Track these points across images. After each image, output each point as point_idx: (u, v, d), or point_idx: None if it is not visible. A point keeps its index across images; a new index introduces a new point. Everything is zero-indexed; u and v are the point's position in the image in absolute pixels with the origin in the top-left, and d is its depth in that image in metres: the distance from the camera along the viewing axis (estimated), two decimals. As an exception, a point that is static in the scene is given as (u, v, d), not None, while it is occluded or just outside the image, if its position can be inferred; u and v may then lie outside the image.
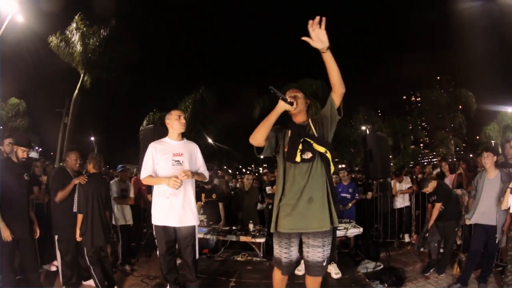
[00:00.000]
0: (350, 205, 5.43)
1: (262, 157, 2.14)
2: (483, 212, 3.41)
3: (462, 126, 19.22)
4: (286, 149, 2.04)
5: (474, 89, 19.50)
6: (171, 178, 2.43)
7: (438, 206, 3.92)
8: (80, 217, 3.17)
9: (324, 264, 2.05)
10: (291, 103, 1.95)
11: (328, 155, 2.00)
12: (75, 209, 3.21)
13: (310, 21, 1.76)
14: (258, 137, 1.99)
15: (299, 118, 2.14)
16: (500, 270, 3.72)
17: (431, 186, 4.03)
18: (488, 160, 3.41)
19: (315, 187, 1.99)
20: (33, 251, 3.06)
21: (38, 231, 3.15)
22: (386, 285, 3.53)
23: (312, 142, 1.99)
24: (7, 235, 2.74)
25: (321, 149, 1.98)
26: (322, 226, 1.97)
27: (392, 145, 23.98)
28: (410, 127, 27.16)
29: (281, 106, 1.95)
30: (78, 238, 3.17)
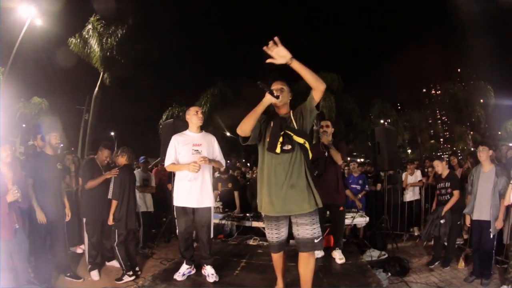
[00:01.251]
0: (360, 195, 5.56)
1: (245, 143, 2.29)
2: (479, 206, 3.46)
3: (481, 120, 18.51)
4: (267, 140, 2.21)
5: (493, 83, 18.71)
6: (191, 163, 2.81)
7: (457, 193, 3.93)
8: (114, 203, 3.45)
9: (316, 241, 2.20)
10: (277, 97, 2.12)
11: (307, 145, 2.20)
12: (110, 195, 3.48)
13: (265, 47, 1.93)
14: (245, 128, 2.15)
15: (282, 110, 2.33)
16: (505, 267, 3.59)
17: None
18: (483, 153, 3.43)
19: (296, 175, 2.18)
20: (63, 233, 3.39)
21: (69, 213, 3.48)
22: (389, 274, 3.61)
23: (292, 134, 2.17)
24: (42, 217, 3.06)
25: (300, 140, 2.18)
26: (303, 209, 2.17)
27: (409, 139, 23.46)
28: (429, 121, 26.34)
29: (268, 99, 2.11)
30: (111, 222, 3.44)
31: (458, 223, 4.16)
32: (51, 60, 16.24)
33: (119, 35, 14.29)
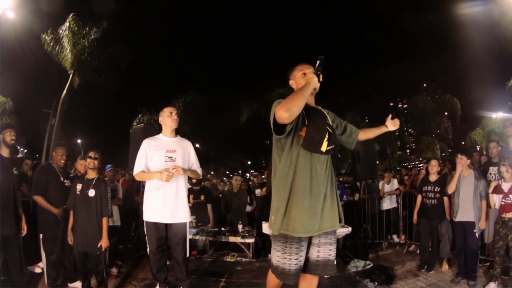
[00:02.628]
0: None
1: (282, 136, 1.72)
2: (462, 208, 3.60)
3: (448, 131, 19.79)
4: (303, 134, 1.72)
5: (459, 96, 20.24)
6: (163, 171, 2.47)
7: (447, 200, 3.96)
8: (106, 221, 2.96)
9: (335, 262, 1.87)
10: (319, 82, 1.74)
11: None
12: (106, 214, 2.97)
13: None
14: (296, 110, 1.58)
15: (312, 101, 1.89)
16: (488, 265, 3.86)
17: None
18: (462, 161, 3.66)
19: (329, 183, 1.79)
20: (18, 250, 2.94)
21: (25, 227, 3.01)
22: (376, 283, 3.55)
23: (332, 132, 1.76)
24: None
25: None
26: (335, 225, 1.81)
27: (379, 151, 24.44)
28: (397, 133, 27.77)
29: (315, 82, 1.70)
30: (106, 245, 2.94)
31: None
32: (20, 58, 15.04)
33: (92, 36, 13.57)
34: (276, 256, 1.79)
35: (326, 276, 3.27)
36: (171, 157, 2.66)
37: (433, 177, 4.13)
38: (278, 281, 1.84)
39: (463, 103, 19.76)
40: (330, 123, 1.86)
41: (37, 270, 3.69)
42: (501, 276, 3.37)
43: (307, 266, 1.82)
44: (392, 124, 2.12)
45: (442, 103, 19.69)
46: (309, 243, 1.82)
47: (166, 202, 2.59)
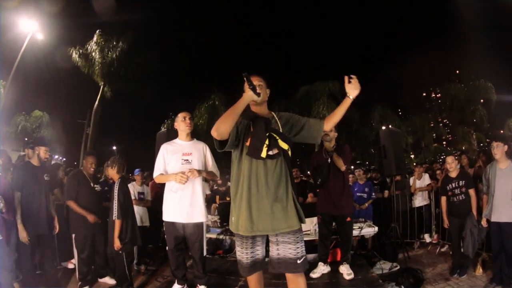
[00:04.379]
0: (366, 204, 5.32)
1: (221, 150, 1.91)
2: (498, 206, 3.24)
3: (484, 119, 18.29)
4: (247, 143, 1.87)
5: (494, 81, 18.59)
6: (178, 173, 2.58)
7: (474, 192, 3.66)
8: (118, 223, 3.02)
9: (299, 261, 1.86)
10: (258, 94, 1.83)
11: (289, 152, 1.93)
12: (114, 217, 3.05)
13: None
14: (224, 129, 1.76)
15: (262, 109, 2.02)
16: None
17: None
18: (498, 150, 3.28)
19: (279, 185, 1.87)
20: (52, 247, 3.27)
21: (57, 226, 3.34)
22: (402, 287, 3.36)
23: (277, 137, 1.87)
24: (24, 237, 2.94)
25: (285, 145, 1.88)
26: (292, 225, 1.85)
27: (412, 143, 23.18)
28: (431, 125, 26.16)
29: (250, 96, 1.81)
30: (118, 246, 3.03)
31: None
32: (52, 74, 16.40)
33: (119, 48, 14.38)
34: (237, 251, 1.99)
35: (347, 278, 3.19)
36: (187, 160, 2.77)
37: (453, 174, 3.85)
38: (254, 278, 2.01)
39: (499, 89, 18.13)
40: (277, 128, 1.93)
41: (70, 266, 4.06)
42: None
43: (270, 263, 1.92)
44: (351, 88, 1.90)
45: (476, 89, 18.23)
46: (269, 241, 1.94)
47: (182, 203, 2.69)
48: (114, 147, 27.07)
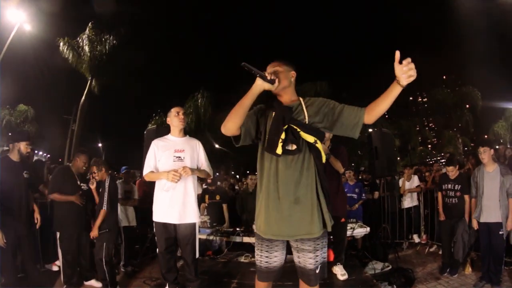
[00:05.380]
0: (357, 205, 5.33)
1: (238, 145, 1.74)
2: (487, 207, 3.34)
3: (469, 124, 18.97)
4: (267, 137, 1.67)
5: (480, 87, 19.31)
6: (170, 171, 2.46)
7: (469, 198, 3.67)
8: (103, 212, 3.13)
9: (317, 271, 1.71)
10: (271, 81, 1.58)
11: (319, 145, 1.66)
12: (104, 206, 3.15)
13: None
14: (230, 125, 1.62)
15: (286, 97, 1.76)
16: None
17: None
18: (485, 155, 3.37)
19: (302, 185, 1.64)
20: (34, 248, 3.10)
21: (39, 218, 3.20)
22: (395, 286, 3.39)
23: (298, 129, 1.63)
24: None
25: (310, 138, 1.64)
26: (311, 232, 1.64)
27: (399, 146, 23.68)
28: (417, 128, 26.84)
29: (259, 85, 1.58)
30: (95, 234, 3.14)
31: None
32: (39, 67, 15.82)
33: (110, 43, 13.99)
34: (255, 251, 1.81)
35: (341, 278, 3.17)
36: (180, 157, 2.64)
37: (452, 174, 3.91)
38: (261, 283, 1.81)
39: (484, 95, 18.90)
40: (302, 117, 1.68)
41: (55, 268, 3.86)
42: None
43: (296, 270, 1.78)
44: (404, 72, 1.43)
45: (462, 95, 18.93)
46: (290, 246, 1.77)
47: (174, 203, 2.57)
48: (100, 144, 26.36)
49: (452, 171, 3.88)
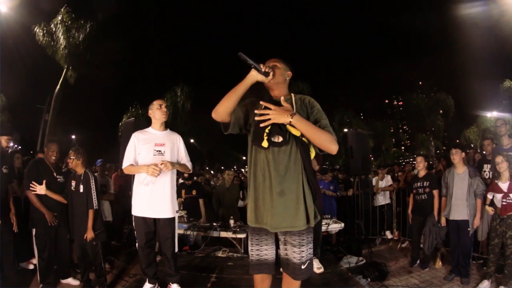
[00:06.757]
0: (330, 193, 5.49)
1: (226, 132, 1.79)
2: (456, 206, 3.56)
3: (441, 129, 20.04)
4: (253, 129, 1.73)
5: (455, 94, 20.55)
6: (150, 165, 2.43)
7: (437, 193, 3.90)
8: (92, 213, 2.97)
9: (303, 267, 1.70)
10: (266, 73, 1.63)
11: (305, 138, 1.67)
12: (95, 206, 3.00)
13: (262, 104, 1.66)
14: (221, 110, 1.66)
15: (277, 92, 1.80)
16: (481, 262, 3.86)
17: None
18: (456, 156, 3.59)
19: (288, 178, 1.65)
20: (10, 245, 2.92)
21: (15, 218, 3.03)
22: (369, 279, 3.54)
23: (277, 124, 1.65)
24: None
25: (296, 131, 1.64)
26: (295, 225, 1.65)
27: (373, 147, 24.57)
28: (392, 130, 27.96)
29: (252, 76, 1.63)
30: (91, 235, 2.96)
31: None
32: (13, 52, 14.71)
33: (87, 30, 13.23)
34: (249, 243, 1.84)
35: (317, 272, 3.28)
36: (160, 151, 2.61)
37: (421, 173, 4.16)
38: (260, 276, 1.80)
39: (459, 102, 20.19)
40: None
41: (30, 266, 3.64)
42: (495, 274, 3.35)
43: (280, 261, 1.78)
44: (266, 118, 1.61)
45: (437, 101, 19.98)
46: (278, 239, 1.78)
47: (154, 197, 2.54)
48: (73, 136, 25.21)
49: (421, 162, 4.15)
